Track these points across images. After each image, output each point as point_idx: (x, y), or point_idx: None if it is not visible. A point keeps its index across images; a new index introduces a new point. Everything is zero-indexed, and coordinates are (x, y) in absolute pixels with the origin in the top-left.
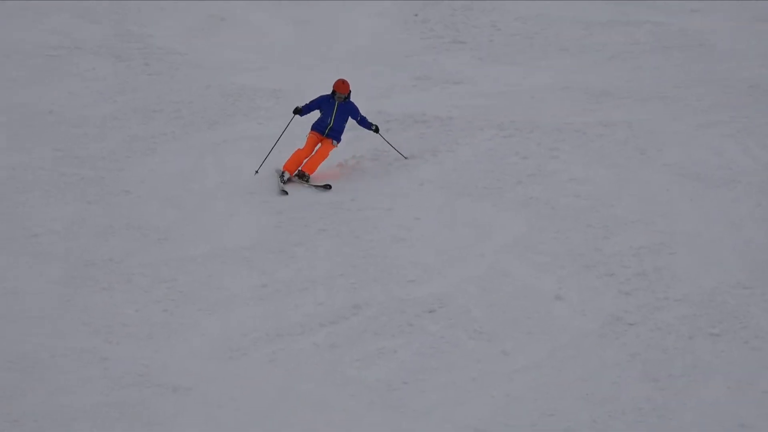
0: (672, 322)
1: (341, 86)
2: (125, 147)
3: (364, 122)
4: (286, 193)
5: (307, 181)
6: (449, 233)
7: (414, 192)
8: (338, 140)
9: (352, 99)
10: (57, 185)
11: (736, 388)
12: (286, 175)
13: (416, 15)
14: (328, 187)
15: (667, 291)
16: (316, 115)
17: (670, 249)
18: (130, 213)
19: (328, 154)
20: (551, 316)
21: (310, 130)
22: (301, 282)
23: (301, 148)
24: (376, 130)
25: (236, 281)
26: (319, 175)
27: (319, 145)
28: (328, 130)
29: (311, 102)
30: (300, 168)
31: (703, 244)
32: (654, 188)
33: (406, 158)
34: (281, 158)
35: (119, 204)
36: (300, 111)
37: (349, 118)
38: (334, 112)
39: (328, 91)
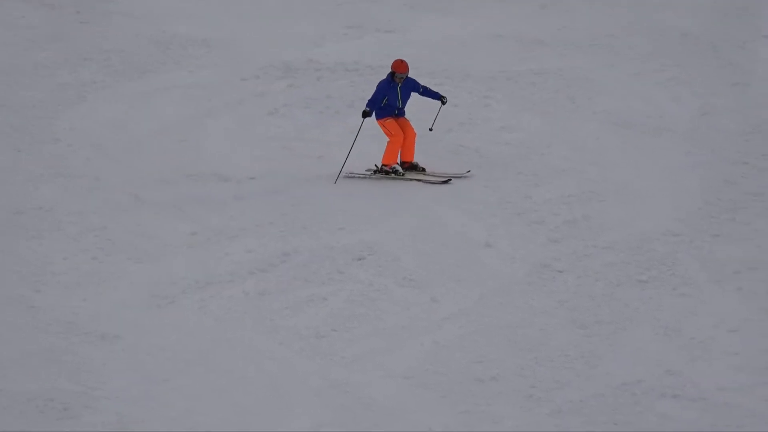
0: (600, 270)
1: (400, 66)
2: (55, 95)
3: (427, 92)
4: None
5: (423, 170)
6: (379, 182)
7: (346, 141)
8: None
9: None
10: None
11: (663, 334)
12: (396, 168)
13: None
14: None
15: (595, 239)
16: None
17: (600, 197)
18: (60, 161)
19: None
20: (480, 263)
21: (382, 119)
22: (231, 230)
23: (392, 140)
24: (444, 102)
25: (166, 229)
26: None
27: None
28: (398, 111)
29: (374, 96)
30: (399, 159)
31: (633, 192)
32: (585, 137)
33: (431, 129)
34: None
35: (49, 152)
36: (369, 113)
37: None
38: (399, 95)
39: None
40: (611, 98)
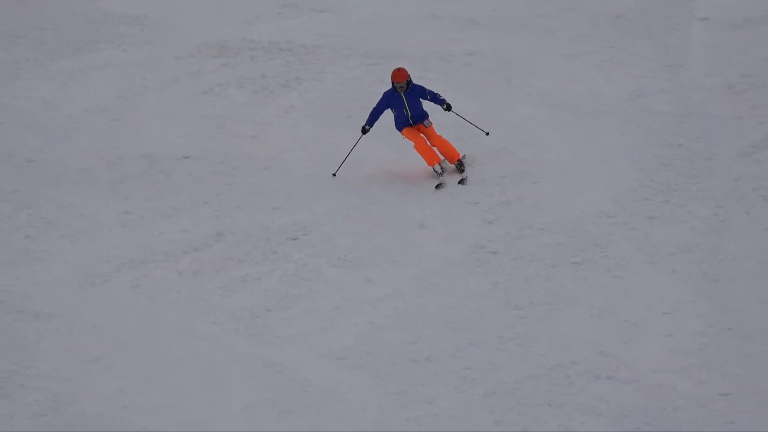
0: (534, 251)
1: (397, 75)
2: None
3: (435, 99)
4: (442, 184)
5: (461, 167)
6: (314, 162)
7: (280, 121)
8: (428, 117)
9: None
10: None
11: (598, 316)
12: (438, 168)
13: None
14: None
15: (530, 220)
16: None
17: (534, 178)
18: None
19: (437, 134)
20: (415, 244)
21: (400, 130)
22: (165, 209)
23: (414, 144)
24: (448, 108)
25: (100, 208)
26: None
27: (423, 135)
28: (412, 119)
29: (375, 109)
30: (441, 158)
31: (568, 174)
32: (519, 117)
33: (487, 134)
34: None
35: None
36: (366, 130)
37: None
38: (405, 104)
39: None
40: (546, 79)
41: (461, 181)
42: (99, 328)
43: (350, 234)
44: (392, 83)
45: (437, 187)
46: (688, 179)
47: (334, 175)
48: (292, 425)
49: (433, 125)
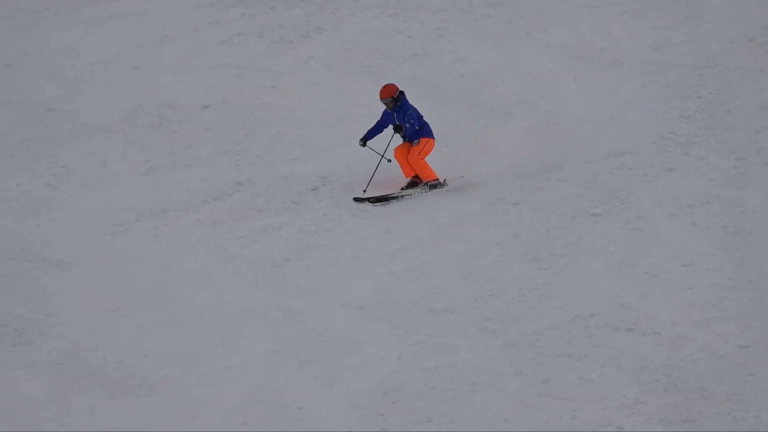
0: (554, 202)
1: (382, 92)
2: (8, 20)
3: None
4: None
5: (425, 187)
6: (334, 111)
7: (299, 70)
8: (423, 136)
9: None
10: None
11: (617, 268)
12: (407, 182)
13: None
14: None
15: (549, 172)
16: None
17: (554, 129)
18: (13, 87)
19: (417, 155)
20: (435, 195)
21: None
22: (185, 159)
23: (397, 152)
24: (398, 129)
25: (119, 157)
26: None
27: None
28: (404, 136)
29: (375, 124)
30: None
31: (587, 125)
32: (539, 69)
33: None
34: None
35: (2, 77)
36: (362, 143)
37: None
38: (395, 121)
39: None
40: (565, 31)
41: (408, 186)
42: (119, 277)
43: (370, 184)
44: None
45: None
46: (707, 131)
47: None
48: (312, 375)
49: (419, 146)
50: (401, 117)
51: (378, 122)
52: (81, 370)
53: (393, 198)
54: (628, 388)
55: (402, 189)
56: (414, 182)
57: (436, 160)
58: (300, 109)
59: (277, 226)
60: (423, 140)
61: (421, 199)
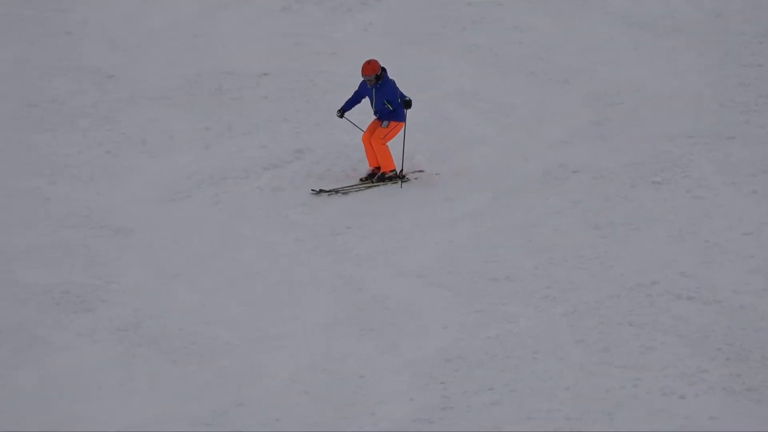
0: (615, 170)
1: (365, 68)
2: None
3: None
4: (322, 191)
5: (381, 179)
6: (394, 78)
7: (359, 37)
8: (394, 119)
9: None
10: None
11: (678, 236)
12: (367, 172)
13: None
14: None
15: (609, 139)
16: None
17: (613, 98)
18: (73, 54)
19: (381, 138)
20: (495, 162)
21: None
22: (244, 126)
23: (364, 136)
24: (407, 105)
25: (180, 124)
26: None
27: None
28: (376, 114)
29: (352, 96)
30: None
31: (647, 93)
32: (598, 37)
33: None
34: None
35: (62, 45)
36: (339, 114)
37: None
38: (373, 97)
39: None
40: None
41: (366, 178)
42: (180, 244)
43: (429, 151)
44: (362, 76)
45: (320, 190)
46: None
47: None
48: (373, 343)
49: (386, 129)
50: (381, 93)
51: (356, 92)
52: (142, 337)
53: (350, 188)
54: (689, 356)
55: (361, 180)
56: (374, 173)
57: (495, 128)
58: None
59: (336, 194)
60: (392, 124)
61: (480, 167)
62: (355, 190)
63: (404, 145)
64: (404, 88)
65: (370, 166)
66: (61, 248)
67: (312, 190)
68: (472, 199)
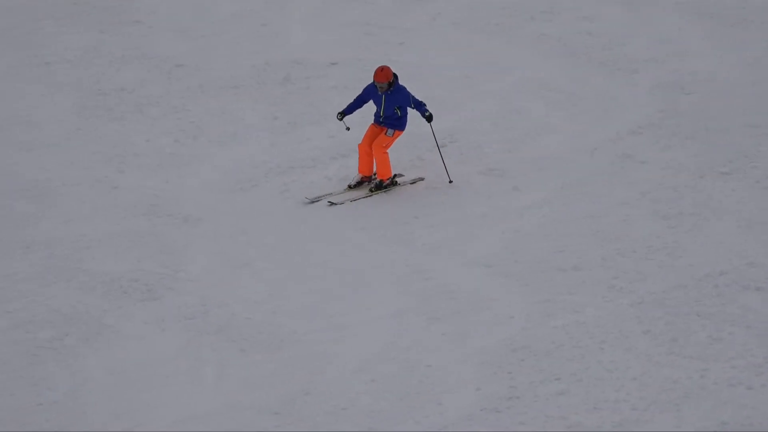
0: (683, 161)
1: (378, 75)
2: None
3: (419, 107)
4: (332, 204)
5: (373, 190)
6: (462, 68)
7: (427, 27)
8: (398, 128)
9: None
10: (69, 14)
11: (746, 227)
12: (356, 179)
13: None
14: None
15: (678, 129)
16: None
17: (682, 89)
18: (142, 43)
19: (383, 146)
20: (563, 152)
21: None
22: (313, 115)
23: (362, 143)
24: (429, 119)
25: (247, 114)
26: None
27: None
28: (382, 119)
29: (355, 99)
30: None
31: (716, 84)
32: (667, 27)
33: (450, 182)
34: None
35: (131, 33)
36: (339, 116)
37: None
38: (382, 103)
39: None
40: None
41: (352, 186)
42: (247, 233)
43: (498, 141)
44: (374, 81)
45: (330, 202)
46: None
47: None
48: (440, 332)
49: (390, 138)
50: (392, 99)
51: (360, 97)
52: (210, 325)
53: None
54: (757, 347)
55: (349, 187)
56: (363, 181)
57: (564, 118)
58: (427, 66)
59: (404, 182)
60: (397, 133)
61: (548, 157)
62: (351, 200)
63: (440, 149)
64: (473, 79)
65: (360, 173)
66: (129, 237)
67: (306, 198)
68: (540, 188)
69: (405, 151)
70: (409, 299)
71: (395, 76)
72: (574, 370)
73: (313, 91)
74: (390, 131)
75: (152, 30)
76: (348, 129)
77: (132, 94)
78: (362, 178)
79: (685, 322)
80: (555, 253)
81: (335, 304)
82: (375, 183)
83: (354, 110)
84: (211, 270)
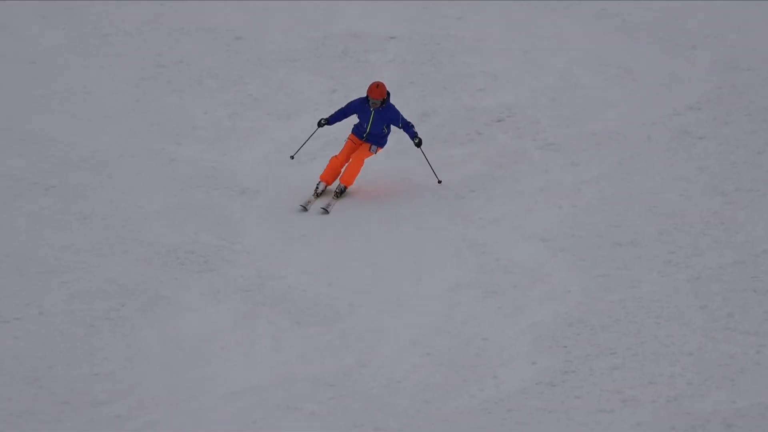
0: (741, 137)
1: (374, 91)
2: None
3: (407, 129)
4: (305, 209)
5: (339, 195)
6: (520, 42)
7: (485, 1)
8: (380, 145)
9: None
10: None
11: None
12: (321, 186)
13: None
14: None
15: (737, 105)
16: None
17: (742, 64)
18: (200, 15)
19: (363, 161)
20: (620, 127)
21: (351, 133)
22: None
23: (336, 155)
24: (418, 144)
25: (305, 86)
26: (360, 189)
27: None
28: (366, 135)
29: (339, 110)
30: (339, 179)
31: None
32: (727, 3)
33: (439, 182)
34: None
35: (189, 6)
36: (325, 122)
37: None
38: (371, 119)
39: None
40: None
41: (326, 204)
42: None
43: (555, 116)
44: (367, 97)
45: (302, 206)
46: None
47: (291, 158)
48: (496, 305)
49: (373, 153)
50: (382, 116)
51: (342, 111)
52: (266, 297)
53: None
54: None
55: (317, 195)
56: (343, 190)
57: (622, 94)
58: (485, 41)
59: (461, 157)
60: (379, 149)
61: (606, 132)
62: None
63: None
64: (531, 54)
65: (321, 179)
66: (186, 209)
67: (301, 206)
68: (598, 163)
69: (463, 125)
70: (465, 273)
71: (388, 93)
72: (630, 345)
73: (372, 64)
74: (373, 147)
75: (211, 2)
76: (292, 158)
77: (190, 66)
78: (326, 186)
79: (742, 298)
80: (612, 228)
81: (391, 278)
82: (339, 188)
83: (335, 122)
84: (267, 242)
